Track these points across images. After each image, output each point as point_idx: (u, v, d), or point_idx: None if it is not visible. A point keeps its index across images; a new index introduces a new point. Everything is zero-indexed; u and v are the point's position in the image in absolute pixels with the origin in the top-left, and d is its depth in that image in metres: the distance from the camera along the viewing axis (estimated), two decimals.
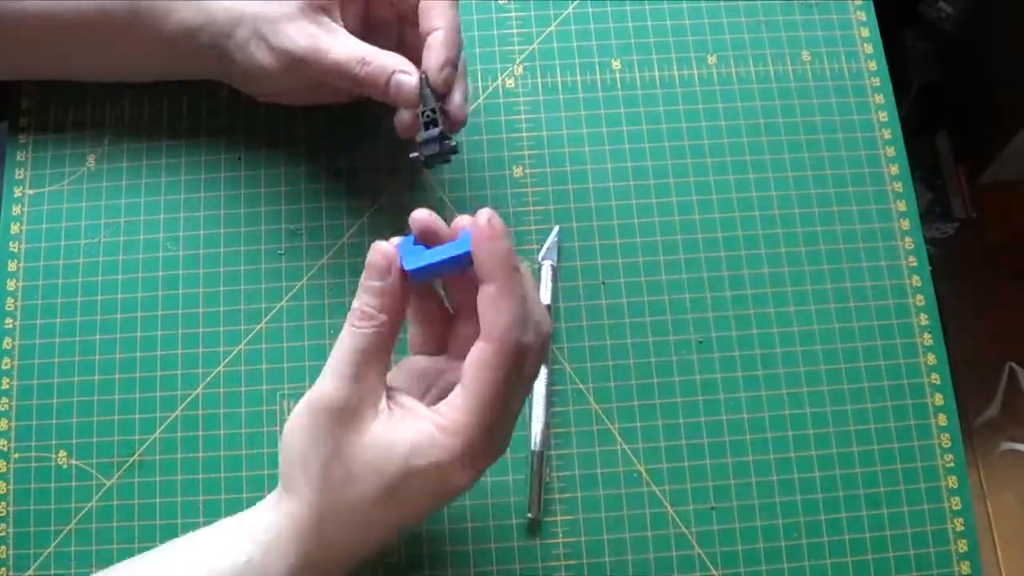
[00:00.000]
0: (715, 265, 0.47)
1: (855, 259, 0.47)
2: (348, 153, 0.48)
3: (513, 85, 0.49)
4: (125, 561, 0.37)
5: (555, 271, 0.46)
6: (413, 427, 0.33)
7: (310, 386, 0.34)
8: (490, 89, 0.49)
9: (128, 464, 0.43)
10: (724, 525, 0.43)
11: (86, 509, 0.43)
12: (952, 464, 0.44)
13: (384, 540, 0.36)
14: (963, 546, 0.43)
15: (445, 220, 0.36)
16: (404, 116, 0.42)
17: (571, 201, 0.48)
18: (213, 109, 0.49)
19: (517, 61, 0.50)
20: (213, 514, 0.42)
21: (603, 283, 0.46)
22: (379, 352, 0.34)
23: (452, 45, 0.40)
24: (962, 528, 0.43)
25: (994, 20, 0.82)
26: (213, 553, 0.35)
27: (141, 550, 0.37)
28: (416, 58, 0.41)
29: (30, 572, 0.42)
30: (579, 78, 0.49)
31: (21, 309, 0.46)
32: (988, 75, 0.83)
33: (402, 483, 0.33)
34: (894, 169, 0.48)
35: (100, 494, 0.43)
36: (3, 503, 0.43)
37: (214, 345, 0.45)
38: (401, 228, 0.47)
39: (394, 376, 0.37)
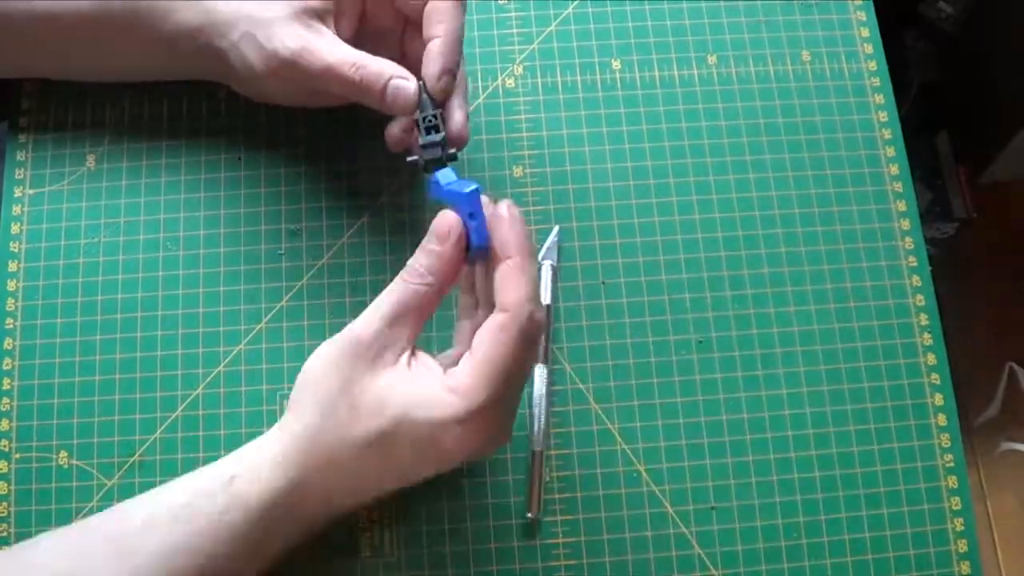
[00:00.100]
0: (715, 265, 0.47)
1: (855, 259, 0.47)
2: (348, 153, 0.48)
3: (513, 85, 0.49)
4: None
5: (555, 271, 0.46)
6: (423, 383, 0.36)
7: None
8: (490, 89, 0.49)
9: (129, 464, 0.43)
10: (724, 525, 0.43)
11: (87, 509, 0.43)
12: (952, 464, 0.44)
13: (361, 493, 0.37)
14: (963, 546, 0.43)
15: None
16: (394, 130, 0.42)
17: (571, 201, 0.48)
18: (213, 109, 0.49)
19: (517, 61, 0.50)
20: None
21: (603, 283, 0.46)
22: (418, 309, 0.36)
23: (452, 54, 0.40)
24: (962, 528, 0.43)
25: (994, 20, 0.82)
26: (199, 473, 0.37)
27: None
28: (416, 69, 0.40)
29: None
30: (579, 78, 0.50)
31: (22, 309, 0.46)
32: (988, 75, 0.83)
33: (394, 430, 0.35)
34: (894, 169, 0.48)
35: (101, 494, 0.43)
36: (5, 503, 0.43)
37: (214, 345, 0.45)
38: (401, 228, 0.47)
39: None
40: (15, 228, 0.47)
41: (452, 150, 0.40)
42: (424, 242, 0.37)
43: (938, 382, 0.45)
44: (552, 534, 0.43)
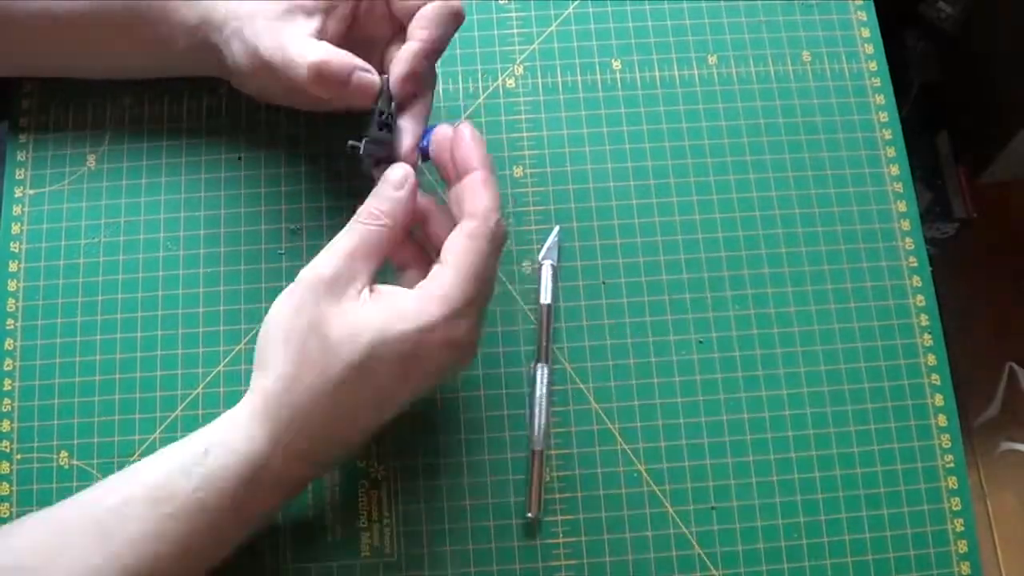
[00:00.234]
0: (715, 265, 0.47)
1: (855, 259, 0.47)
2: (348, 153, 0.48)
3: (513, 85, 0.49)
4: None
5: (555, 271, 0.46)
6: (393, 302, 0.36)
7: None
8: (490, 89, 0.49)
9: (128, 464, 0.43)
10: (724, 525, 0.43)
11: None
12: (952, 464, 0.44)
13: (342, 438, 0.37)
14: (963, 547, 0.43)
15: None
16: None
17: (571, 201, 0.48)
18: (213, 109, 0.49)
19: (517, 61, 0.50)
20: None
21: (603, 283, 0.46)
22: (374, 248, 0.37)
23: (424, 60, 0.39)
24: (962, 529, 0.43)
25: (994, 20, 0.82)
26: (177, 447, 0.37)
27: None
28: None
29: None
30: (579, 78, 0.50)
31: (22, 310, 0.46)
32: (988, 75, 0.83)
33: (373, 352, 0.35)
34: (894, 169, 0.48)
35: None
36: (7, 504, 0.43)
37: (214, 345, 0.45)
38: None
39: None
40: (15, 228, 0.47)
41: (395, 155, 0.39)
42: (377, 190, 0.38)
43: (938, 383, 0.45)
44: (552, 534, 0.43)
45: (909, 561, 0.43)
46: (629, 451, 0.44)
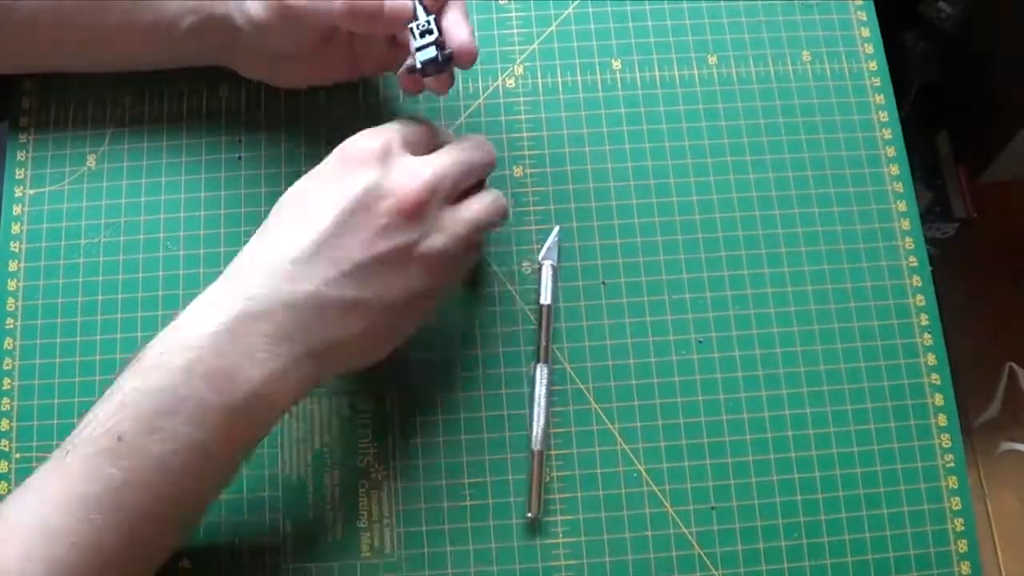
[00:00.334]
0: (715, 265, 0.47)
1: (855, 259, 0.47)
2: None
3: (513, 85, 0.49)
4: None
5: (555, 271, 0.46)
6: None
7: None
8: (490, 89, 0.49)
9: None
10: (724, 525, 0.43)
11: None
12: (952, 464, 0.44)
13: (331, 319, 0.36)
14: (963, 546, 0.43)
15: None
16: (409, 62, 0.41)
17: (571, 201, 0.48)
18: (213, 109, 0.49)
19: (517, 61, 0.50)
20: (213, 513, 0.42)
21: (603, 283, 0.46)
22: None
23: None
24: (962, 528, 0.43)
25: (994, 20, 0.82)
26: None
27: None
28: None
29: None
30: (579, 78, 0.50)
31: (22, 309, 0.46)
32: (988, 75, 0.83)
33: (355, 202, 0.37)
34: (894, 169, 0.48)
35: None
36: None
37: None
38: None
39: None
40: (15, 228, 0.47)
41: (448, 50, 0.39)
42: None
43: (938, 382, 0.45)
44: (552, 534, 0.43)
45: (909, 561, 0.43)
46: (629, 451, 0.44)
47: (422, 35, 0.39)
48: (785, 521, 0.43)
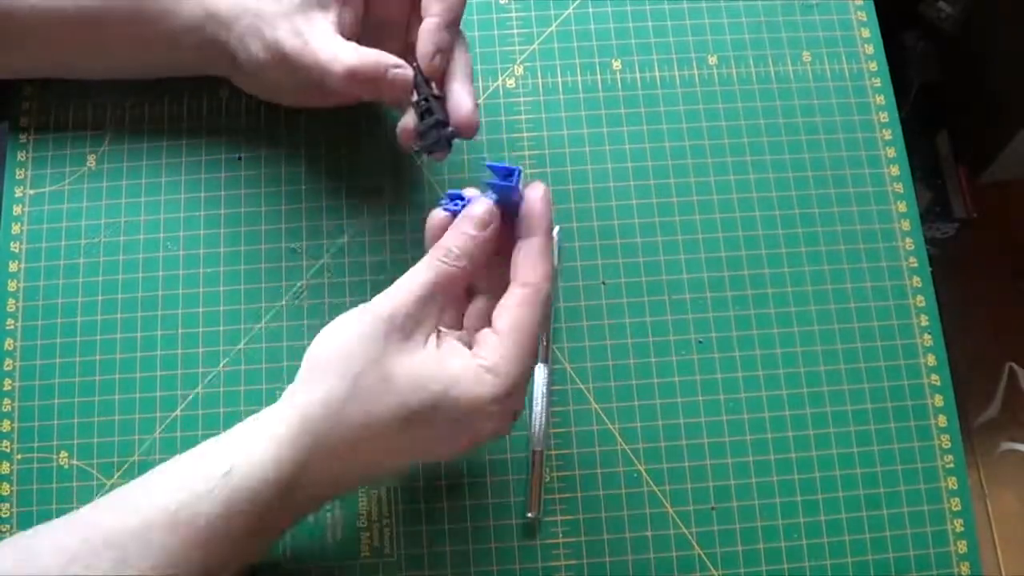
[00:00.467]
0: (715, 265, 0.47)
1: (855, 260, 0.47)
2: (348, 153, 0.48)
3: (513, 85, 0.49)
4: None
5: (555, 271, 0.46)
6: (460, 363, 0.35)
7: None
8: (490, 89, 0.49)
9: (128, 464, 0.43)
10: (724, 525, 0.43)
11: None
12: (952, 465, 0.44)
13: (370, 473, 0.37)
14: (963, 547, 0.43)
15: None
16: (408, 121, 0.41)
17: (571, 201, 0.48)
18: (213, 109, 0.49)
19: (517, 61, 0.50)
20: None
21: (603, 283, 0.46)
22: (448, 289, 0.37)
23: (445, 32, 0.40)
24: (962, 529, 0.43)
25: (994, 20, 0.82)
26: (195, 465, 0.35)
27: None
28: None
29: None
30: (579, 78, 0.49)
31: (22, 310, 0.46)
32: (988, 75, 0.83)
33: (431, 410, 0.35)
34: (894, 170, 0.48)
35: (101, 494, 0.43)
36: (7, 504, 0.43)
37: (214, 345, 0.45)
38: (401, 228, 0.47)
39: None
40: (16, 228, 0.47)
41: (449, 130, 0.39)
42: (458, 224, 0.37)
43: (938, 383, 0.45)
44: (552, 534, 0.43)
45: (909, 561, 0.43)
46: (629, 451, 0.44)
47: (423, 115, 0.39)
48: (785, 522, 0.43)
